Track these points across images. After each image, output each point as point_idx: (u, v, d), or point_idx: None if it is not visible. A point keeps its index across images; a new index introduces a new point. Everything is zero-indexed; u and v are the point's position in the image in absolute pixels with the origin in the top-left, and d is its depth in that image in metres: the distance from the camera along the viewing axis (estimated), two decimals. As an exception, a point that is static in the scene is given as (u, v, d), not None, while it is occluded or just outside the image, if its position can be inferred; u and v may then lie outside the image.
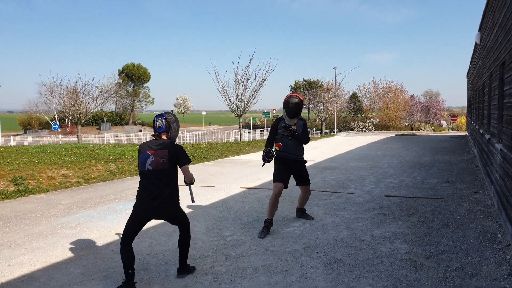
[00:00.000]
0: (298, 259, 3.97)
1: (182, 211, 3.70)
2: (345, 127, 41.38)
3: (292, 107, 4.77)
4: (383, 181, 8.34)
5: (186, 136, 30.11)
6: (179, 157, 3.50)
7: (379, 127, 41.17)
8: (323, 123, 34.30)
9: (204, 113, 69.52)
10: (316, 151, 15.77)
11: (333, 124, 38.01)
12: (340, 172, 9.78)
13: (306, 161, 5.15)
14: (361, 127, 40.51)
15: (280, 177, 4.90)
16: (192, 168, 11.16)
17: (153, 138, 3.56)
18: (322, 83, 39.14)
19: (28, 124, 52.22)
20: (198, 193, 7.41)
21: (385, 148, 16.41)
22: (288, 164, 4.98)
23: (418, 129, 39.30)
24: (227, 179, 9.07)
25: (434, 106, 43.80)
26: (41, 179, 8.32)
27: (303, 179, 5.13)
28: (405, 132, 32.02)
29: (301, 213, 5.49)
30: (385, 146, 17.77)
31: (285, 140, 4.85)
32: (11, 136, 30.85)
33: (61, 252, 4.33)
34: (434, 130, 38.98)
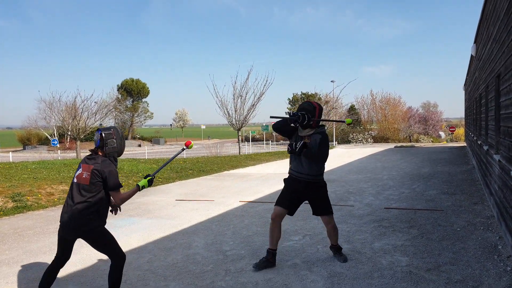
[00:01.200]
0: (298, 273, 3.95)
1: (110, 241, 3.30)
2: (344, 139, 41.47)
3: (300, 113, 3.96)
4: (383, 193, 8.34)
5: (185, 151, 30.11)
6: (106, 179, 3.18)
7: (377, 139, 41.27)
8: (322, 135, 34.31)
9: (203, 127, 69.63)
10: (315, 164, 15.74)
11: (331, 136, 38.12)
12: (340, 184, 9.78)
13: (324, 184, 4.21)
14: (360, 139, 40.60)
15: (281, 199, 4.18)
16: (192, 182, 11.16)
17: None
18: (320, 95, 39.43)
19: (27, 140, 52.20)
20: (197, 207, 7.40)
21: (384, 160, 16.43)
22: (297, 187, 4.12)
23: (417, 140, 39.41)
24: (226, 193, 9.06)
25: (432, 118, 44.02)
26: (40, 195, 8.30)
27: (319, 207, 4.15)
28: (404, 144, 32.10)
29: (334, 251, 4.33)
30: (384, 158, 17.80)
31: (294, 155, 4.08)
32: (10, 152, 30.80)
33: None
34: (432, 141, 39.08)
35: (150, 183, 3.38)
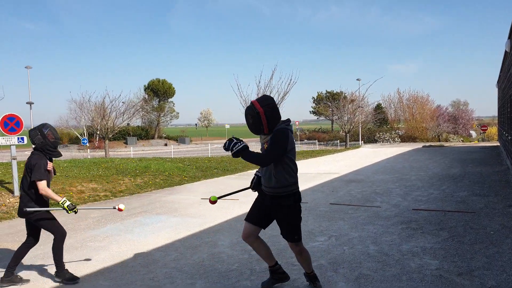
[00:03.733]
0: (324, 274, 3.91)
1: (48, 221, 4.00)
2: (370, 139, 40.77)
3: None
4: (411, 194, 8.15)
5: (210, 149, 30.38)
6: (31, 170, 3.86)
7: (405, 139, 40.38)
8: (348, 134, 33.95)
9: (227, 126, 70.09)
10: (341, 164, 15.59)
11: (357, 135, 37.55)
12: (366, 185, 9.62)
13: (291, 203, 3.31)
14: (387, 138, 39.83)
15: (250, 213, 3.63)
16: (217, 181, 11.25)
17: None
18: (346, 94, 38.89)
19: (59, 139, 53.99)
20: (222, 206, 7.46)
21: (411, 160, 16.05)
22: (263, 199, 3.54)
23: (446, 140, 38.30)
24: (250, 192, 9.05)
25: (463, 116, 42.63)
26: (71, 193, 8.57)
27: (281, 229, 3.43)
28: (432, 144, 31.25)
29: (308, 279, 3.62)
30: (411, 158, 17.39)
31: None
32: (43, 151, 31.91)
33: (91, 265, 4.43)
34: (463, 141, 37.88)
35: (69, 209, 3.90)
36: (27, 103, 34.58)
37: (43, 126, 3.98)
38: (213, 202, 3.63)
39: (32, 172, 3.81)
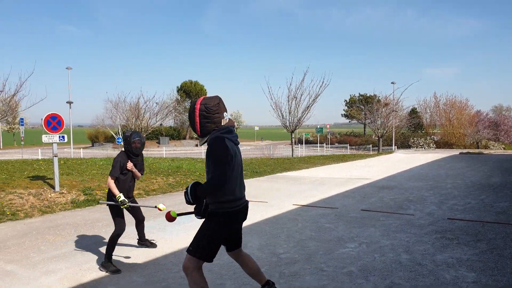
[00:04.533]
0: (354, 281, 3.87)
1: (114, 211, 4.58)
2: (404, 144, 39.77)
3: None
4: (446, 202, 7.90)
5: (240, 151, 30.56)
6: None
7: (441, 145, 39.08)
8: (380, 139, 33.25)
9: (256, 128, 70.35)
10: (373, 169, 15.30)
11: (391, 140, 36.72)
12: (399, 191, 9.41)
13: (210, 214, 2.93)
14: (421, 144, 38.71)
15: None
16: (245, 183, 11.33)
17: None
18: (379, 97, 38.09)
19: (95, 138, 56.02)
20: (250, 208, 7.50)
21: (448, 167, 15.53)
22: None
23: (486, 147, 36.75)
24: (279, 195, 9.09)
25: (505, 122, 40.74)
26: (107, 190, 8.87)
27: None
28: (470, 150, 30.07)
29: None
30: (448, 165, 16.82)
31: None
32: (81, 149, 33.27)
33: (125, 260, 4.59)
34: (504, 148, 36.22)
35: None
36: (67, 102, 36.13)
37: (134, 133, 4.63)
38: (170, 218, 2.99)
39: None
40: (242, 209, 3.02)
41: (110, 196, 4.54)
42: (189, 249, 2.93)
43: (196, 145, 51.31)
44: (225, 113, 2.98)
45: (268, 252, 4.83)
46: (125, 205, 4.40)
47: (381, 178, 12.29)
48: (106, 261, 4.29)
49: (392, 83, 35.29)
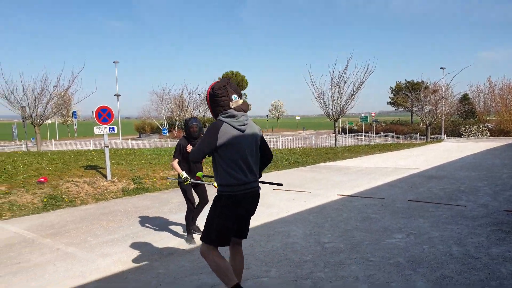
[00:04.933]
0: (401, 272, 3.78)
1: (183, 190, 5.15)
2: (454, 132, 37.82)
3: None
4: (502, 194, 7.46)
5: (280, 141, 30.57)
6: None
7: (495, 133, 36.75)
8: (429, 127, 31.89)
9: (298, 117, 69.84)
10: (420, 158, 14.74)
11: (439, 129, 35.11)
12: (449, 182, 9.01)
13: (215, 199, 3.00)
14: (473, 132, 36.64)
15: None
16: (287, 172, 11.34)
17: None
18: (428, 84, 36.39)
19: (142, 129, 58.21)
20: (294, 197, 7.51)
21: (503, 157, 14.63)
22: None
23: (546, 134, 34.14)
24: (323, 185, 9.01)
25: None
26: (154, 179, 9.25)
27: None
28: (529, 138, 28.09)
29: None
30: (503, 154, 15.84)
31: None
32: (129, 140, 34.72)
33: (173, 246, 4.78)
34: None
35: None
36: (115, 95, 37.74)
37: (192, 119, 5.08)
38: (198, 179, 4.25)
39: None
40: (247, 194, 2.93)
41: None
42: (201, 237, 2.98)
43: (239, 135, 51.73)
44: (234, 95, 2.96)
45: (313, 241, 4.82)
46: (188, 181, 4.81)
47: (429, 167, 11.82)
48: (187, 235, 4.95)
49: (441, 68, 33.59)
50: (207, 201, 5.16)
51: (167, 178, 5.87)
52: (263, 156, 3.14)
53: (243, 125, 2.92)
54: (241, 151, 2.89)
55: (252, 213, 3.09)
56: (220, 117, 2.93)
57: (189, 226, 4.99)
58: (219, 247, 2.97)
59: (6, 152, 14.31)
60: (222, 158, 2.88)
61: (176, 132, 48.78)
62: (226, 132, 2.85)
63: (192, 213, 5.05)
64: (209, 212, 3.00)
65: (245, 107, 3.00)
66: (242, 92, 63.09)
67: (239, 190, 2.88)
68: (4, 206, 6.75)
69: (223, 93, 2.93)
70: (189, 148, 4.85)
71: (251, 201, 3.00)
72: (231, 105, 2.93)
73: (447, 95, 32.18)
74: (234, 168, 2.87)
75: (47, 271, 4.06)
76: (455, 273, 3.71)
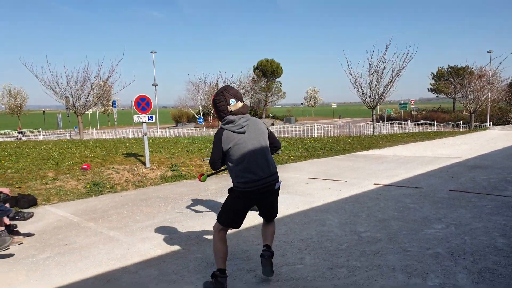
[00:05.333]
0: (441, 263, 3.68)
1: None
2: (501, 120, 35.97)
3: None
4: (552, 184, 7.04)
5: (316, 129, 30.28)
6: None
7: (547, 120, 34.58)
8: (472, 115, 30.46)
9: (334, 105, 68.69)
10: (463, 147, 14.14)
11: (484, 116, 33.44)
12: (494, 171, 8.60)
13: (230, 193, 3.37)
14: (522, 119, 34.63)
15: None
16: (323, 161, 11.23)
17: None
18: (472, 69, 34.63)
19: (179, 118, 59.49)
20: (329, 186, 7.45)
21: (554, 145, 13.75)
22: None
23: None
24: (359, 174, 8.86)
25: None
26: (191, 167, 9.46)
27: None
28: None
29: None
30: (554, 142, 14.88)
31: None
32: (167, 129, 35.61)
33: (210, 231, 4.89)
34: None
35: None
36: (152, 84, 38.67)
37: None
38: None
39: None
40: (257, 190, 3.18)
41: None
42: (217, 217, 3.35)
43: (272, 124, 51.83)
44: (231, 100, 3.19)
45: (348, 230, 4.78)
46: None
47: (472, 156, 11.32)
48: None
49: (488, 52, 31.86)
50: None
51: (203, 159, 6.03)
52: (272, 148, 3.42)
53: (242, 127, 3.17)
54: (245, 151, 3.14)
55: (269, 203, 3.36)
56: (221, 125, 3.24)
57: None
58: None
59: (53, 140, 15.09)
60: (230, 160, 3.19)
61: (211, 121, 49.48)
62: (228, 137, 3.14)
63: None
64: (225, 199, 3.37)
65: (244, 110, 3.24)
66: (277, 80, 62.66)
67: (248, 187, 3.15)
68: (52, 191, 7.16)
69: (221, 99, 3.20)
70: None
71: (264, 195, 3.25)
72: (230, 109, 3.19)
73: (494, 80, 30.51)
74: (242, 168, 3.14)
75: (92, 253, 4.28)
76: (499, 266, 3.57)
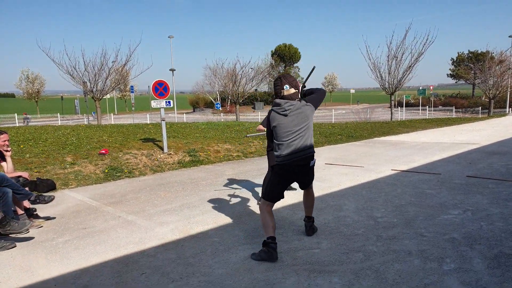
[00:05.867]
0: (457, 248, 3.70)
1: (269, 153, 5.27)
2: (522, 105, 34.88)
3: None
4: None
5: (333, 115, 30.02)
6: None
7: None
8: (492, 101, 29.70)
9: (352, 91, 67.82)
10: (482, 133, 13.87)
11: (504, 102, 32.57)
12: (514, 158, 8.44)
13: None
14: (545, 105, 33.58)
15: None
16: (340, 147, 11.21)
17: None
18: (493, 54, 33.62)
19: (196, 103, 59.66)
20: (346, 172, 7.46)
21: None
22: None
23: None
24: (377, 160, 8.82)
25: None
26: (209, 152, 9.58)
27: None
28: None
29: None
30: None
31: None
32: (184, 114, 35.86)
33: (227, 216, 4.99)
34: None
35: None
36: (170, 70, 38.83)
37: None
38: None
39: None
40: (293, 163, 3.66)
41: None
42: (262, 195, 3.98)
43: (289, 110, 51.46)
44: (286, 85, 3.70)
45: (365, 215, 4.81)
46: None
47: (491, 143, 11.11)
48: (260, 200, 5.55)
49: (510, 36, 30.79)
50: None
51: (246, 136, 6.51)
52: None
53: (285, 110, 3.64)
54: (286, 130, 3.65)
55: (305, 175, 3.84)
56: (271, 107, 3.81)
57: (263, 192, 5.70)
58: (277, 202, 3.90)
59: (71, 125, 15.43)
60: (275, 137, 3.74)
61: (228, 107, 49.49)
62: (274, 117, 3.71)
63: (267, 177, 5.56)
64: (266, 176, 4.09)
65: (294, 96, 3.71)
66: (295, 65, 61.99)
67: (285, 160, 3.66)
68: (70, 176, 7.35)
69: (278, 83, 3.75)
70: None
71: (300, 169, 3.74)
72: (283, 93, 3.70)
73: (515, 65, 29.57)
74: (282, 144, 3.67)
75: (110, 237, 4.39)
76: (516, 252, 3.56)
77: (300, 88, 3.79)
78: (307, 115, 3.67)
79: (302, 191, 4.16)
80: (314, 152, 3.78)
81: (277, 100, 3.73)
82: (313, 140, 3.80)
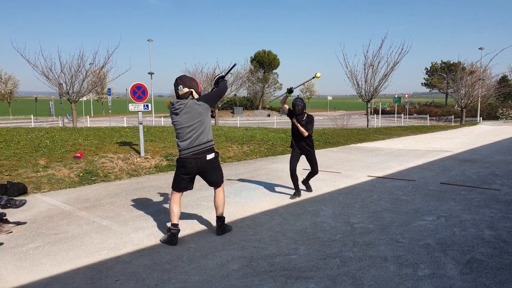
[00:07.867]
0: (431, 254, 3.78)
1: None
2: (491, 115, 36.32)
3: None
4: (541, 179, 7.18)
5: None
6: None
7: (537, 116, 34.99)
8: (464, 110, 30.71)
9: (329, 98, 68.70)
10: (454, 141, 14.30)
11: (475, 111, 33.75)
12: (483, 165, 8.74)
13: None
14: (511, 115, 35.01)
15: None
16: (318, 153, 11.31)
17: None
18: (464, 65, 34.86)
19: (174, 107, 59.01)
20: (324, 178, 7.52)
21: (544, 141, 13.95)
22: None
23: None
24: (353, 166, 8.95)
25: None
26: (186, 157, 9.47)
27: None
28: None
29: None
30: (545, 138, 15.10)
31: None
32: (162, 118, 35.41)
33: (205, 222, 4.94)
34: None
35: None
36: (148, 73, 38.32)
37: (297, 99, 5.96)
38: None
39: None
40: (190, 155, 4.07)
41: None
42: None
43: (268, 115, 51.78)
44: (180, 85, 4.07)
45: (342, 221, 4.86)
46: (289, 95, 5.92)
47: (463, 150, 11.47)
48: (296, 192, 6.08)
49: (480, 48, 32.03)
50: (317, 171, 6.25)
51: (270, 101, 7.00)
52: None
53: (176, 109, 4.03)
54: (180, 127, 4.05)
55: (208, 171, 4.22)
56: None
57: (295, 183, 6.06)
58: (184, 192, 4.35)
59: (45, 127, 14.98)
60: (176, 133, 4.15)
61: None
62: (171, 116, 4.13)
63: (292, 177, 5.99)
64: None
65: (187, 95, 4.06)
66: (274, 71, 62.19)
67: (183, 154, 4.09)
68: (43, 179, 7.12)
69: (174, 84, 4.11)
70: (295, 121, 5.91)
71: (198, 162, 4.10)
72: (179, 93, 4.08)
73: (484, 76, 30.76)
74: (179, 139, 4.10)
75: (84, 242, 4.26)
76: (486, 257, 3.67)
77: (215, 80, 4.34)
78: (199, 112, 4.03)
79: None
80: (211, 146, 4.16)
81: (172, 100, 4.16)
82: (212, 135, 4.22)
